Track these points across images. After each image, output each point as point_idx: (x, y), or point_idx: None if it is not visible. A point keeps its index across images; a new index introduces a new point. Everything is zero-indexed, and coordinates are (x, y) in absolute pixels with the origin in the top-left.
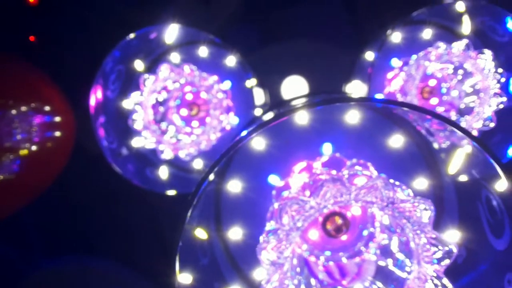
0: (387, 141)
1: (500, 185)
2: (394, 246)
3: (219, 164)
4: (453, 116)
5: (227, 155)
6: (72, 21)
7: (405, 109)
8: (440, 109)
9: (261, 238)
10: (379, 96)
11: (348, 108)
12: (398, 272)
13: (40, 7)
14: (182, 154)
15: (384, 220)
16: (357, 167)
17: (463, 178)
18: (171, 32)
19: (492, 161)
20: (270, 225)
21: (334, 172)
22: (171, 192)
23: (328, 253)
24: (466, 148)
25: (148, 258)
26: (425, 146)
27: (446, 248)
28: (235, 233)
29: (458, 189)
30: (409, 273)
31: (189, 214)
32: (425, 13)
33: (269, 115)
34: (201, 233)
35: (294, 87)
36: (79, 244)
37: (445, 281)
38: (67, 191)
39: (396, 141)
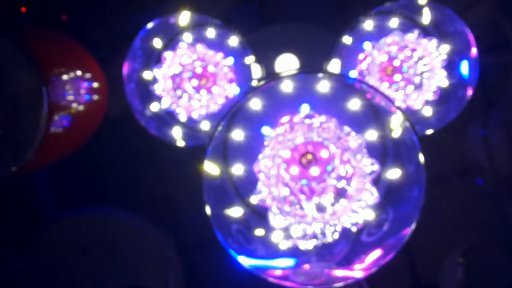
0: (347, 104)
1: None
2: (342, 170)
3: (226, 117)
4: (410, 88)
5: (231, 110)
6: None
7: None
8: (401, 84)
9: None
10: (350, 73)
11: (320, 80)
12: (345, 187)
13: None
14: (194, 115)
15: (341, 156)
16: (320, 118)
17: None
18: (184, 17)
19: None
20: (261, 155)
21: (300, 119)
22: (181, 144)
23: (304, 181)
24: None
25: (157, 205)
26: (373, 108)
27: (373, 167)
28: (238, 169)
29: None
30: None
31: (209, 150)
32: (393, 5)
33: (265, 81)
34: (213, 168)
35: (287, 63)
36: (97, 196)
37: (373, 189)
38: (90, 148)
39: (354, 104)
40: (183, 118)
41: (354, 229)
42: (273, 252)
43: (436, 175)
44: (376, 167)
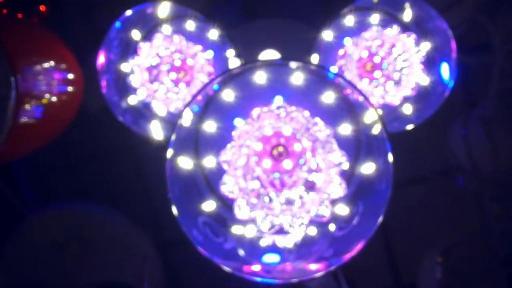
0: (321, 96)
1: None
2: (313, 163)
3: (190, 103)
4: (390, 84)
5: (197, 95)
6: None
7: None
8: (381, 80)
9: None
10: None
11: (294, 71)
12: (315, 179)
13: None
14: (171, 108)
15: (311, 148)
16: (289, 109)
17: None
18: (164, 8)
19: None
20: (229, 145)
21: (267, 109)
22: (159, 137)
23: (277, 174)
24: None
25: (135, 201)
26: (347, 102)
27: (341, 159)
28: (209, 161)
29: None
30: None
31: (172, 137)
32: (373, 0)
33: (236, 67)
34: (184, 161)
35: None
36: (73, 191)
37: (341, 181)
38: (67, 142)
39: (328, 96)
40: (160, 111)
41: (322, 221)
42: (251, 250)
43: (417, 174)
44: (344, 158)
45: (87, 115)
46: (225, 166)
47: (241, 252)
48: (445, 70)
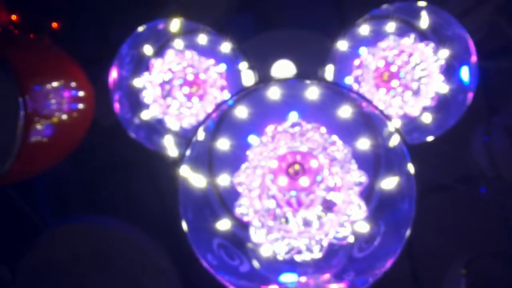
0: (338, 111)
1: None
2: (331, 181)
3: (206, 121)
4: (408, 94)
5: (212, 114)
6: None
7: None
8: (399, 89)
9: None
10: (345, 79)
11: (308, 86)
12: (333, 198)
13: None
14: (184, 124)
15: (329, 167)
16: (305, 127)
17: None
18: (175, 24)
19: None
20: (244, 165)
21: (285, 128)
22: (174, 154)
23: (293, 192)
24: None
25: (152, 215)
26: (365, 115)
27: (361, 179)
28: (224, 179)
29: (384, 145)
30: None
31: (187, 152)
32: (389, 8)
33: (251, 86)
34: (197, 179)
35: (283, 69)
36: (91, 205)
37: (361, 203)
38: (84, 157)
39: (345, 111)
40: (173, 126)
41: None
42: (268, 266)
43: (438, 183)
44: (363, 178)
45: (102, 130)
46: (240, 189)
47: (258, 272)
48: (465, 75)
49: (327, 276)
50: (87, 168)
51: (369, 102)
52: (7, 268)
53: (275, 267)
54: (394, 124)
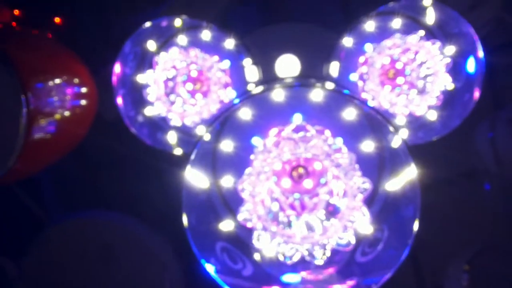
0: (342, 113)
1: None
2: (335, 185)
3: (213, 125)
4: (413, 93)
5: (218, 118)
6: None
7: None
8: (404, 87)
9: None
10: (350, 76)
11: (312, 88)
12: (337, 203)
13: None
14: (187, 122)
15: (333, 171)
16: (310, 131)
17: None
18: (179, 20)
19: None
20: (247, 170)
21: (288, 133)
22: (178, 152)
23: (297, 195)
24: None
25: (155, 210)
26: (370, 117)
27: (365, 186)
28: (227, 181)
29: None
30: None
31: (192, 157)
32: (396, 5)
33: (256, 90)
34: (201, 180)
35: (287, 65)
36: (95, 200)
37: (365, 209)
38: (85, 151)
39: (349, 113)
40: (177, 124)
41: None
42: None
43: (442, 178)
44: (367, 185)
45: (107, 124)
46: (243, 195)
47: (260, 274)
48: (471, 68)
49: (330, 271)
50: (91, 163)
51: (372, 108)
52: (12, 264)
53: (278, 267)
54: (398, 126)
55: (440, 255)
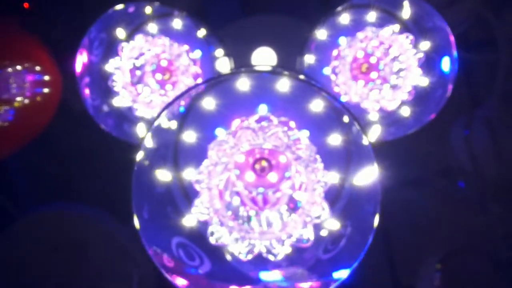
0: (309, 105)
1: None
2: (298, 180)
3: (161, 113)
4: (386, 88)
5: (173, 103)
6: None
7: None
8: (377, 82)
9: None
10: (323, 70)
11: (279, 78)
12: (298, 198)
13: None
14: (155, 113)
15: (295, 165)
16: (273, 121)
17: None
18: (149, 7)
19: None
20: (205, 162)
21: (247, 123)
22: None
23: (261, 189)
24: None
25: (123, 202)
26: (337, 110)
27: (326, 179)
28: (189, 174)
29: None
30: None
31: (146, 141)
32: None
33: (220, 75)
34: (160, 173)
35: (263, 57)
36: (62, 191)
37: (324, 204)
38: (52, 142)
39: (317, 105)
40: (144, 115)
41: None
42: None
43: (416, 176)
44: (328, 179)
45: (75, 114)
46: (198, 187)
47: (219, 272)
48: (445, 67)
49: (300, 271)
50: (60, 154)
51: (341, 104)
52: None
53: (241, 265)
54: (366, 121)
55: (415, 253)
